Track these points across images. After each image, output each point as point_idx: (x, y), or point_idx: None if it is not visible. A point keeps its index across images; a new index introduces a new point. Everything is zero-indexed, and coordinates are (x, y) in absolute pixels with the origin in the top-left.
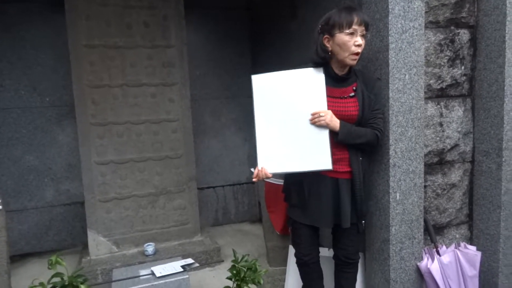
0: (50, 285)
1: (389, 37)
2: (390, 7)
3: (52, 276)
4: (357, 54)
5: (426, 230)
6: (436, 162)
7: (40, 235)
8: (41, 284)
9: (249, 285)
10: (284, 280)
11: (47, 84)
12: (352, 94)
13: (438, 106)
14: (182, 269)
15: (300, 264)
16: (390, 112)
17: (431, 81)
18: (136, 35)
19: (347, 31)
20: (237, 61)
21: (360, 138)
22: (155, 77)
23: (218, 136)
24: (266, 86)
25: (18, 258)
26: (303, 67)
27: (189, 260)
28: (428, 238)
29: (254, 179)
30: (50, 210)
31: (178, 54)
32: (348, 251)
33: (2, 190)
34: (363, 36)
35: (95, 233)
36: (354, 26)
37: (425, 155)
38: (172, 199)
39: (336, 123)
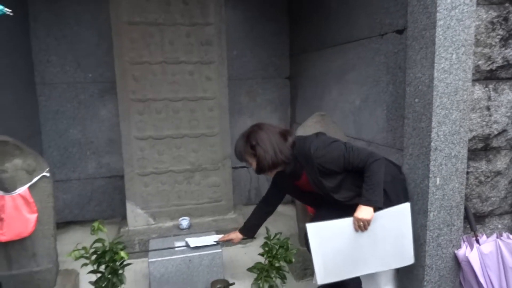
0: (92, 250)
1: (437, 14)
2: None
3: (94, 242)
4: None
5: (466, 218)
6: (481, 148)
7: (82, 205)
8: (84, 248)
9: (281, 262)
10: None
11: (90, 60)
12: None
13: (486, 88)
14: (214, 243)
15: None
16: (435, 93)
17: (480, 62)
18: (175, 12)
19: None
20: (274, 41)
21: (378, 184)
22: (193, 55)
23: (253, 116)
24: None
25: (62, 225)
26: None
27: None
28: (468, 226)
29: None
30: (92, 182)
31: (216, 32)
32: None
33: (49, 161)
34: (250, 164)
35: (133, 205)
36: (244, 162)
37: (469, 140)
38: (207, 176)
39: (369, 210)
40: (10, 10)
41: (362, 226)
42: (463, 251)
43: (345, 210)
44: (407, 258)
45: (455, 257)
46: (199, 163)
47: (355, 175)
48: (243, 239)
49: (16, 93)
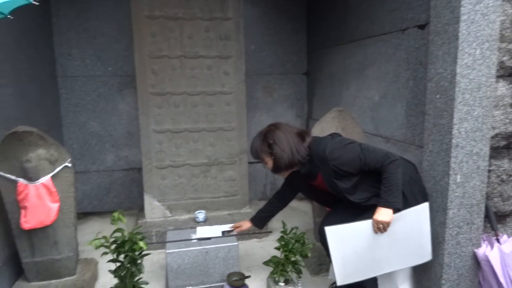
0: (112, 239)
1: (461, 8)
2: None
3: (114, 231)
4: None
5: (487, 216)
6: (504, 146)
7: (101, 196)
8: (104, 237)
9: (297, 256)
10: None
11: (110, 54)
12: (322, 180)
13: (511, 85)
14: (221, 234)
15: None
16: (457, 89)
17: (505, 58)
18: (195, 6)
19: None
20: (292, 37)
21: (397, 185)
22: (211, 50)
23: (270, 111)
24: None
25: (81, 216)
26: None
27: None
28: (488, 225)
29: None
30: (111, 174)
31: (235, 27)
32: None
33: (69, 153)
34: (265, 163)
35: (151, 197)
36: (260, 161)
37: (492, 137)
38: (224, 170)
39: (388, 212)
40: (37, 2)
41: (381, 228)
42: (483, 250)
43: (361, 208)
44: (425, 255)
45: (475, 256)
46: (216, 157)
47: (371, 176)
48: (251, 228)
49: (39, 86)
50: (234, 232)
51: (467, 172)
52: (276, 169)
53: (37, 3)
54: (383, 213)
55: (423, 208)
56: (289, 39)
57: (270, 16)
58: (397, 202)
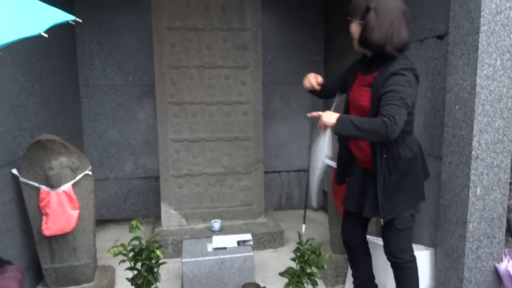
0: (130, 247)
1: (481, 19)
2: None
3: (132, 239)
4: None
5: (508, 230)
6: None
7: (119, 204)
8: (122, 245)
9: (312, 268)
10: (347, 269)
11: (130, 64)
12: (370, 83)
13: None
14: (236, 244)
15: (343, 242)
16: (477, 100)
17: None
18: (213, 17)
19: (349, 19)
20: (310, 47)
21: (357, 127)
22: (229, 60)
23: (286, 121)
24: None
25: (99, 223)
26: None
27: (247, 236)
28: (510, 239)
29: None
30: (128, 182)
31: (253, 37)
32: (389, 247)
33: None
34: (351, 23)
35: (167, 205)
36: (349, 15)
37: None
38: (240, 180)
39: (333, 117)
40: (80, 20)
41: (322, 126)
42: (505, 265)
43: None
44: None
45: (496, 271)
46: (232, 166)
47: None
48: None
49: (62, 95)
50: (250, 242)
51: (487, 185)
52: (360, 40)
53: (80, 20)
54: (331, 115)
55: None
56: (306, 48)
57: (287, 25)
58: (340, 125)
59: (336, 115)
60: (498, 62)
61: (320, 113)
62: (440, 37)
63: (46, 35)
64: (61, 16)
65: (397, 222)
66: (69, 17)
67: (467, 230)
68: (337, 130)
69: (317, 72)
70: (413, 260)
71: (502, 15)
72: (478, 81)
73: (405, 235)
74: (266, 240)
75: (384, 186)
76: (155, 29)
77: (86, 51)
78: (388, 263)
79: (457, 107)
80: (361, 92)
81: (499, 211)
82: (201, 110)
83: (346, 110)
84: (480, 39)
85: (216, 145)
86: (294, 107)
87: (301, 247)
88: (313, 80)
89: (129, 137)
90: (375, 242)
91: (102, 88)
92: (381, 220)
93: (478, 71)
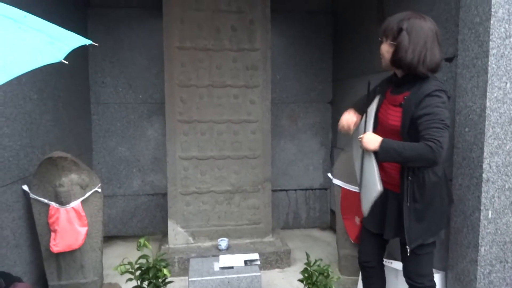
0: (137, 265)
1: (490, 42)
2: (493, 10)
3: (139, 258)
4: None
5: None
6: None
7: (126, 220)
8: (130, 263)
9: None
10: None
11: (140, 82)
12: (400, 103)
13: None
14: (243, 264)
15: (359, 264)
16: (487, 123)
17: None
18: (224, 38)
19: (380, 39)
20: (318, 66)
21: (402, 155)
22: (238, 79)
23: (294, 140)
24: None
25: (106, 239)
26: None
27: (254, 256)
28: None
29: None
30: (136, 198)
31: (262, 57)
32: (408, 271)
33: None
34: (382, 43)
35: (174, 223)
36: (381, 37)
37: None
38: (247, 198)
39: (375, 142)
40: (96, 44)
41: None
42: None
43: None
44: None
45: None
46: (240, 184)
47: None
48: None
49: (73, 112)
50: (258, 262)
51: (499, 208)
52: (393, 61)
53: (96, 44)
54: (372, 140)
55: None
56: (315, 68)
57: (295, 45)
58: (384, 152)
59: (378, 139)
60: (508, 85)
61: (362, 136)
62: (449, 60)
63: (66, 62)
64: (78, 41)
65: (418, 248)
66: (86, 41)
67: (479, 254)
68: (382, 158)
69: (325, 92)
70: (433, 286)
71: (511, 39)
72: (488, 103)
73: (426, 260)
74: (273, 260)
75: (409, 210)
76: (166, 48)
77: (98, 69)
78: None
79: (466, 129)
80: (390, 112)
81: (511, 235)
82: (209, 129)
83: (373, 129)
84: (489, 62)
85: (224, 163)
86: (302, 125)
87: (309, 268)
88: (351, 123)
89: (138, 154)
90: (389, 265)
91: (113, 106)
92: (407, 247)
93: (488, 93)
